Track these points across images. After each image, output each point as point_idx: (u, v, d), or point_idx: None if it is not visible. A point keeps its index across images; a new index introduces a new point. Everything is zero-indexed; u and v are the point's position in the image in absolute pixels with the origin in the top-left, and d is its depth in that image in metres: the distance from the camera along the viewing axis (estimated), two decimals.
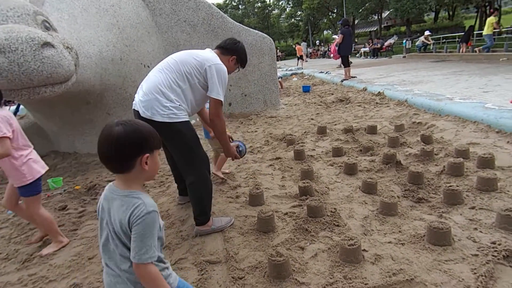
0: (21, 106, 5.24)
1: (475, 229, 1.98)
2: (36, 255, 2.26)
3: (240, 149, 2.66)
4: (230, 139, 2.63)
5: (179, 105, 2.08)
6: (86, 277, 1.96)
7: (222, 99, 2.15)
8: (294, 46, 27.32)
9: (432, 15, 34.41)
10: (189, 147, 2.14)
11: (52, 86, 2.81)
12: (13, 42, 2.49)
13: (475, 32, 16.69)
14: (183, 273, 1.87)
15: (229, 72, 2.32)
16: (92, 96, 3.95)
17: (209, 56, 2.20)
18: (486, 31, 11.56)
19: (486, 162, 2.81)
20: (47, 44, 2.66)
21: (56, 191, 3.41)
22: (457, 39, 16.50)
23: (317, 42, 39.59)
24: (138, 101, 2.08)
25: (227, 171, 3.45)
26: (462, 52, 13.98)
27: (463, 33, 14.98)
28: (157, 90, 2.03)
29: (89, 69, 3.56)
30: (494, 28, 11.61)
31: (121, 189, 1.04)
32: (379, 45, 20.97)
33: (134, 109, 2.13)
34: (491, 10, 11.58)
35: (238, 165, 3.64)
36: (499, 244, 1.77)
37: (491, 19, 11.40)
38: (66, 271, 2.04)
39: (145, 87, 2.09)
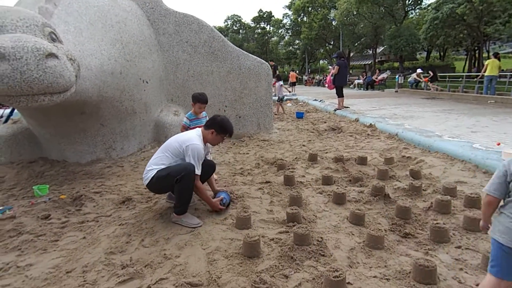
0: (16, 111, 5.20)
1: (461, 269, 1.99)
2: (13, 264, 2.18)
3: (224, 201, 2.97)
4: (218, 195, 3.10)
5: (157, 169, 2.70)
6: None
7: (198, 173, 2.69)
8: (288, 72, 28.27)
9: (424, 54, 35.99)
10: (167, 182, 2.64)
11: (51, 95, 2.84)
12: (19, 51, 2.56)
13: (464, 74, 17.53)
14: None
15: (216, 143, 2.96)
16: (89, 107, 3.97)
17: (187, 137, 2.78)
18: (491, 72, 11.73)
19: (473, 202, 2.86)
20: (51, 55, 2.72)
21: (41, 199, 3.33)
22: (447, 79, 17.24)
23: (308, 71, 41.63)
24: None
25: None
26: (437, 90, 15.45)
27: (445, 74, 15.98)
28: (146, 169, 2.77)
29: (88, 80, 3.60)
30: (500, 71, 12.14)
31: None
32: (385, 76, 21.88)
33: None
34: (498, 54, 12.17)
35: (225, 186, 3.63)
36: None
37: (496, 62, 11.80)
38: (41, 284, 1.97)
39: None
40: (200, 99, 3.77)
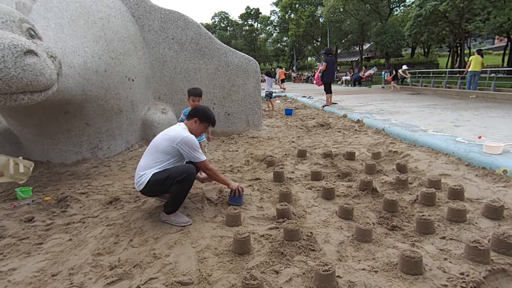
0: None
1: (445, 259, 2.04)
2: None
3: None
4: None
5: (152, 173, 2.62)
6: None
7: (203, 159, 2.74)
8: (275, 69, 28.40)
9: (409, 50, 36.64)
10: (166, 185, 2.59)
11: (31, 94, 2.73)
12: None
13: (447, 70, 17.93)
14: None
15: (199, 133, 2.93)
16: (72, 106, 3.86)
17: (175, 133, 2.71)
18: (475, 68, 12.05)
19: (456, 194, 2.94)
20: (30, 52, 2.60)
21: (24, 201, 3.23)
22: (431, 75, 17.61)
23: (294, 68, 42.56)
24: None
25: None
26: (395, 88, 16.23)
27: (433, 70, 16.34)
28: (137, 174, 2.68)
29: (71, 78, 3.50)
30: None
31: None
32: (372, 72, 22.37)
33: None
34: (481, 51, 12.54)
35: (215, 183, 3.60)
36: (467, 275, 1.83)
37: (480, 58, 12.06)
38: None
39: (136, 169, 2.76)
40: (193, 93, 3.80)
